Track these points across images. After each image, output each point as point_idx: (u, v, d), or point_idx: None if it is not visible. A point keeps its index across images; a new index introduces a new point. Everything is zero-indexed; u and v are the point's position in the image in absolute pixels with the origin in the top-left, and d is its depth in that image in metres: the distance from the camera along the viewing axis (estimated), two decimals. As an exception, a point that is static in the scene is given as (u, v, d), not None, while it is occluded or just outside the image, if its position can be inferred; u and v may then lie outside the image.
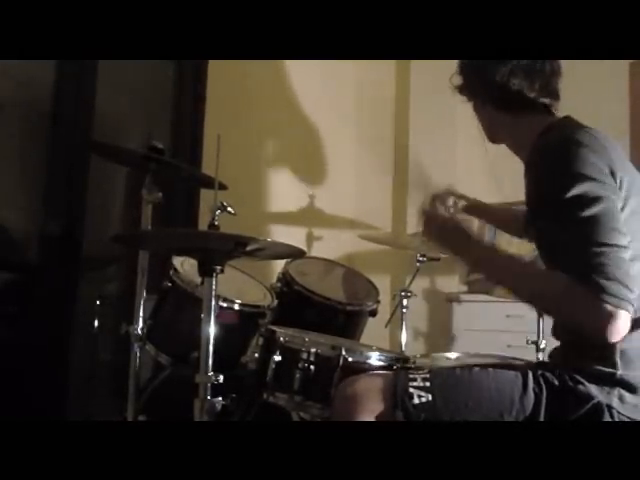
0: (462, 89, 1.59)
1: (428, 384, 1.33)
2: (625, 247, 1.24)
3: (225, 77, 2.89)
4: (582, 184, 1.27)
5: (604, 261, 1.21)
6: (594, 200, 1.26)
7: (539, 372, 1.35)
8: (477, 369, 1.39)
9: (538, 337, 2.39)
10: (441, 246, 1.56)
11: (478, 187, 3.46)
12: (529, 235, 1.91)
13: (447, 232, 1.50)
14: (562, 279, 1.26)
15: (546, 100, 1.49)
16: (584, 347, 1.33)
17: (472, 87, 1.57)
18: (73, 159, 2.54)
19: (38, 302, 2.41)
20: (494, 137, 1.61)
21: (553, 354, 1.50)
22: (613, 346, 1.29)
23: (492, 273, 1.47)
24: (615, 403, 1.29)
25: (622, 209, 1.31)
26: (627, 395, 1.30)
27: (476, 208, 2.09)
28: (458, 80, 1.59)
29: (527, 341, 2.39)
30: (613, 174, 1.31)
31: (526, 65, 1.46)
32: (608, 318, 1.20)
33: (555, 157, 1.34)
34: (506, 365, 1.45)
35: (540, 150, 1.40)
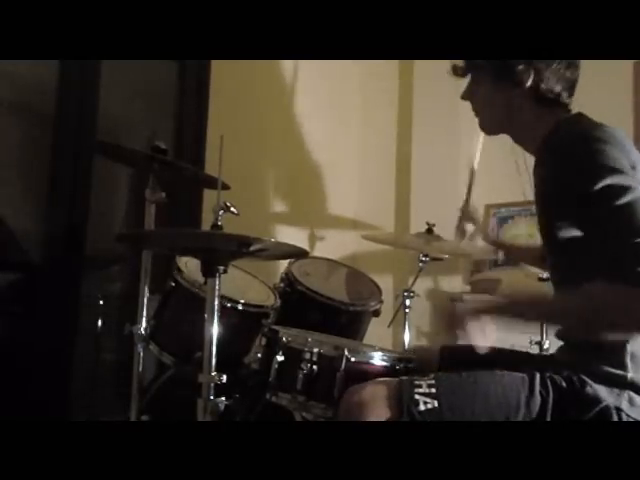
0: (469, 71, 1.53)
1: (434, 390, 1.32)
2: None
3: (228, 77, 2.89)
4: (609, 176, 1.24)
5: None
6: (624, 190, 1.23)
7: (547, 374, 1.34)
8: (482, 372, 1.37)
9: (542, 337, 2.39)
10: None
11: (481, 186, 3.47)
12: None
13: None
14: (603, 288, 1.21)
15: (563, 94, 1.46)
16: (592, 348, 1.32)
17: (483, 73, 1.51)
18: (77, 159, 2.54)
19: (41, 302, 2.41)
20: (494, 127, 1.56)
21: (558, 355, 1.49)
22: (623, 347, 1.28)
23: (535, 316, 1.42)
24: (624, 405, 1.29)
25: None
26: (637, 398, 1.29)
27: (502, 245, 2.10)
28: (465, 63, 1.53)
29: (530, 341, 2.38)
30: (634, 168, 1.28)
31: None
32: None
33: (576, 153, 1.32)
34: (513, 364, 1.43)
35: (559, 146, 1.38)
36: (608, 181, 1.24)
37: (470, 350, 1.36)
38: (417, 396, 1.31)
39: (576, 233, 1.33)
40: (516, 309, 1.38)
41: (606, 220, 1.25)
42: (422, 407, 1.30)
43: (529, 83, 1.45)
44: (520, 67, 1.44)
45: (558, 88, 1.45)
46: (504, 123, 1.54)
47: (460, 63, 1.54)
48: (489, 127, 1.58)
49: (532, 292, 1.42)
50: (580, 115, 1.46)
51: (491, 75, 1.51)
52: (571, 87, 1.48)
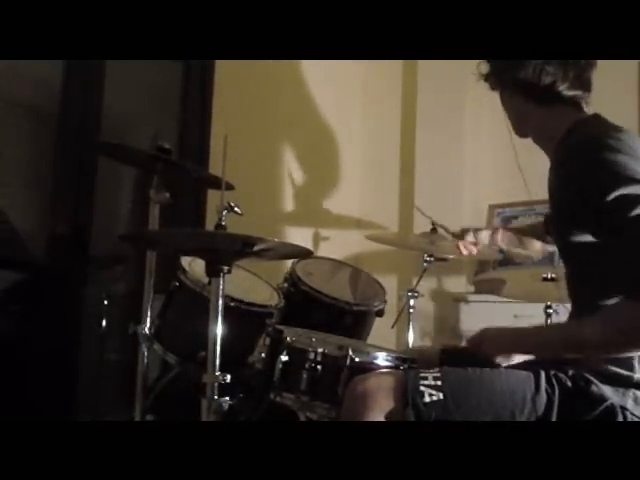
0: (489, 77, 1.52)
1: (439, 382, 1.32)
2: None
3: (232, 77, 2.89)
4: (623, 186, 1.22)
5: None
6: (638, 200, 1.20)
7: (552, 372, 1.33)
8: (489, 368, 1.38)
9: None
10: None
11: (484, 186, 3.47)
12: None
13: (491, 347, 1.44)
14: (619, 307, 1.22)
15: (578, 92, 1.43)
16: None
17: (501, 76, 1.50)
18: (81, 159, 2.55)
19: (46, 302, 2.42)
20: (521, 129, 1.55)
21: None
22: None
23: (559, 347, 1.36)
24: (629, 405, 1.29)
25: None
26: None
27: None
28: (485, 68, 1.52)
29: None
30: None
31: None
32: None
33: (589, 161, 1.30)
34: (518, 364, 1.44)
35: (571, 151, 1.36)
36: (623, 191, 1.22)
37: (471, 352, 1.36)
38: (422, 388, 1.31)
39: (590, 244, 1.31)
40: (521, 346, 1.40)
41: (621, 231, 1.22)
42: (427, 399, 1.30)
43: (525, 85, 1.44)
44: (516, 70, 1.43)
45: (561, 87, 1.42)
46: (521, 127, 1.55)
47: (483, 71, 1.54)
48: (516, 132, 1.58)
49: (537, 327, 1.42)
50: (595, 117, 1.44)
51: (497, 83, 1.52)
52: (578, 84, 1.43)
